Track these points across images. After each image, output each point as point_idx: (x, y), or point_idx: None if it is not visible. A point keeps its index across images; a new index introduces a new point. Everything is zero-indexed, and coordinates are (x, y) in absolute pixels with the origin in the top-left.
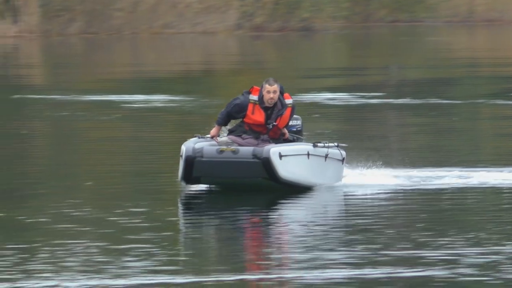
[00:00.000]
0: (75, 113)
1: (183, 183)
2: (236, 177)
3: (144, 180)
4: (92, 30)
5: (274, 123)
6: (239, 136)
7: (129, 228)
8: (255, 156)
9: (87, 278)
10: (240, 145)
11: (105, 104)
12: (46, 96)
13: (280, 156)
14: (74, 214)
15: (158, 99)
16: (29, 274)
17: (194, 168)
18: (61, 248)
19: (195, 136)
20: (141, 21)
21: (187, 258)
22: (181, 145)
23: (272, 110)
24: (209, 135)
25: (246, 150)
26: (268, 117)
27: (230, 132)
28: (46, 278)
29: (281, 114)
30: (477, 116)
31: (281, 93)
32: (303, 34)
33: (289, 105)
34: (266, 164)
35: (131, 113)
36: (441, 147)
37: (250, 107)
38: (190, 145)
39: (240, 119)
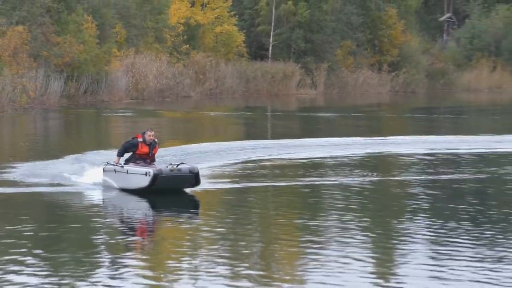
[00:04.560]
0: None
1: (141, 190)
2: (178, 185)
3: None
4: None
5: (153, 153)
6: (135, 162)
7: None
8: (191, 171)
9: None
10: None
11: None
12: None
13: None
14: None
15: None
16: None
17: (157, 181)
18: None
19: (107, 163)
20: None
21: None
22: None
23: (150, 145)
24: (113, 162)
25: (184, 168)
26: (150, 149)
27: (127, 161)
28: None
29: (155, 147)
30: None
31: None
32: None
33: (157, 143)
34: (197, 176)
35: None
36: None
37: (139, 145)
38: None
39: (132, 153)
